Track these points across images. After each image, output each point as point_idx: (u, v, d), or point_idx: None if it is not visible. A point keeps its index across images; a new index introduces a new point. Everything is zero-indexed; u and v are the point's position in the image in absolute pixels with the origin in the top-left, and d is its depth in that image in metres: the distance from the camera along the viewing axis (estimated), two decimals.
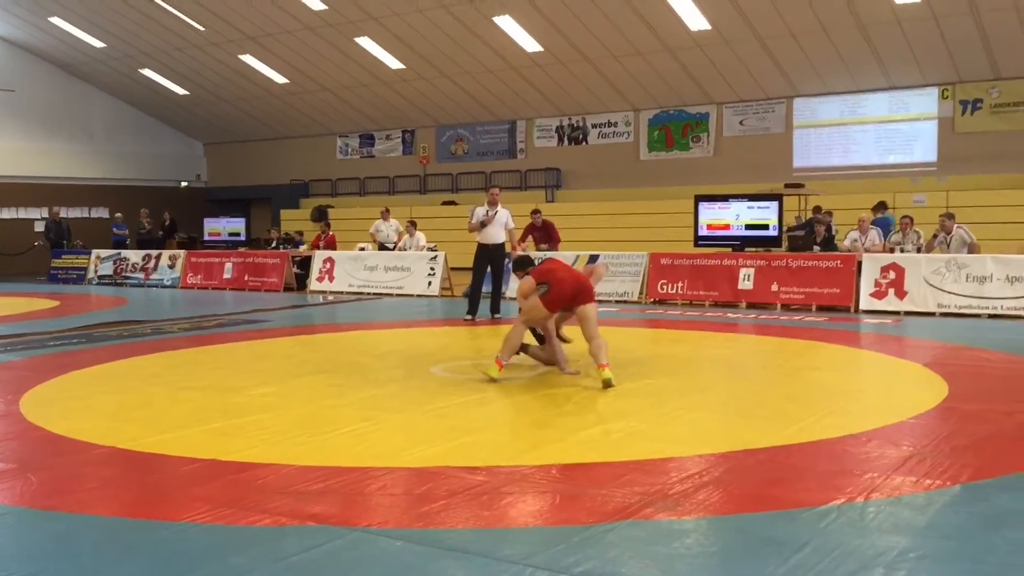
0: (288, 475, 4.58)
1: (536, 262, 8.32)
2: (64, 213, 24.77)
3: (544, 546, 3.56)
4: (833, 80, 19.21)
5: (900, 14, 16.48)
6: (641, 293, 14.27)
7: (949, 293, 12.15)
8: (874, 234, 13.90)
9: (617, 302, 14.01)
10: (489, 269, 11.88)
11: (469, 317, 11.63)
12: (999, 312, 11.80)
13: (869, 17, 16.81)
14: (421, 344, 10.03)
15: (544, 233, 15.87)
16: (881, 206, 15.94)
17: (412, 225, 17.67)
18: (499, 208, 11.77)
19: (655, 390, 6.82)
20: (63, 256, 22.02)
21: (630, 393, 6.68)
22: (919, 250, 13.33)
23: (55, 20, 23.40)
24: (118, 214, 24.37)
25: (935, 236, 13.36)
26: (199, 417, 6.01)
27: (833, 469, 4.70)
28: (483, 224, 11.58)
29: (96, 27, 23.48)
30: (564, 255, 15.13)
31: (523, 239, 15.50)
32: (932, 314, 12.10)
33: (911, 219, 13.93)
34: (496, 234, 11.72)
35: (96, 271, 20.92)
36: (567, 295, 7.20)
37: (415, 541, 3.65)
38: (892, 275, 12.55)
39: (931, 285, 12.28)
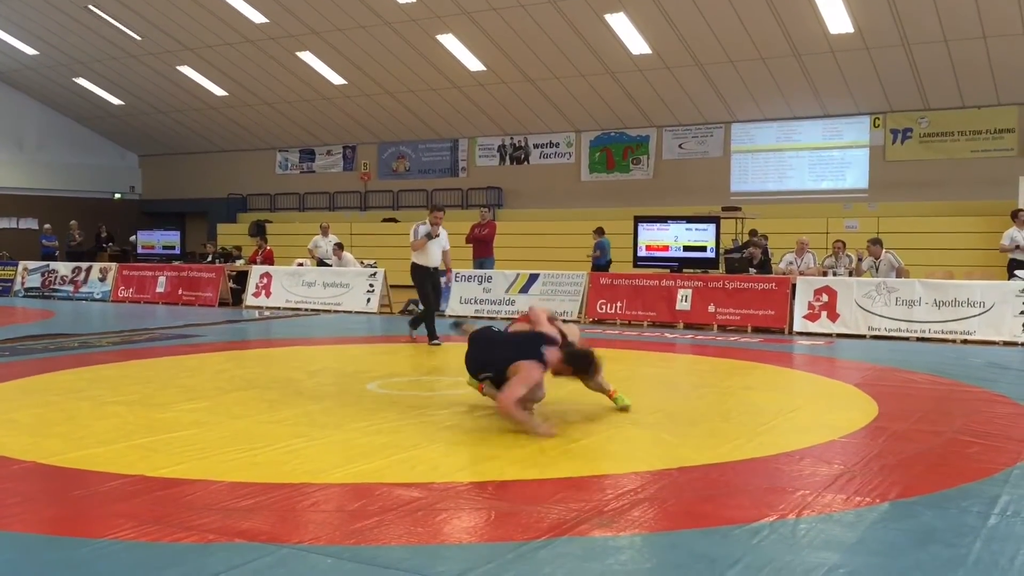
0: (217, 491, 4.46)
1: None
2: None
3: (478, 563, 3.52)
4: (769, 107, 19.62)
5: (834, 44, 16.92)
6: (580, 312, 14.33)
7: (879, 316, 12.43)
8: (809, 257, 14.19)
9: None
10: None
11: (437, 343, 10.99)
12: (927, 335, 12.11)
13: (804, 46, 17.22)
14: (358, 361, 9.92)
15: (486, 234, 16.24)
16: (598, 231, 17.75)
17: (339, 247, 17.40)
18: (441, 229, 11.54)
19: (591, 408, 6.82)
20: None
21: (566, 411, 6.67)
22: (851, 274, 13.64)
23: None
24: (47, 225, 23.75)
25: (860, 260, 13.70)
26: (125, 432, 5.83)
27: (766, 486, 4.74)
28: (429, 237, 11.21)
29: (29, 34, 22.93)
30: (505, 274, 15.19)
31: (468, 239, 16.20)
32: (863, 336, 12.37)
33: (843, 243, 14.27)
34: (436, 255, 11.49)
35: (23, 283, 20.32)
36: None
37: (347, 558, 3.58)
38: (825, 298, 12.81)
39: (862, 308, 12.55)
